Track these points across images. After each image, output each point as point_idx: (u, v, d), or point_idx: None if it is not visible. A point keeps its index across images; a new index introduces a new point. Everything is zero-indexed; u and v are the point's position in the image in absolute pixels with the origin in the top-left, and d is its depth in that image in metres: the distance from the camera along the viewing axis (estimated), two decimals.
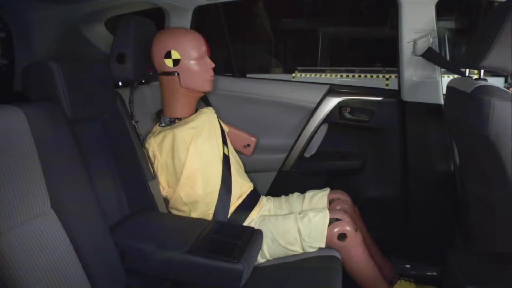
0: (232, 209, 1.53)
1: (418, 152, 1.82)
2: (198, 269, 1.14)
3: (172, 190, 1.51)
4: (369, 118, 1.89)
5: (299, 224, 1.44)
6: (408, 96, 1.80)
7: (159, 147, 1.48)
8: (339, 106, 1.92)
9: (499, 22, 1.19)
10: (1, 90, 1.81)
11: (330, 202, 1.65)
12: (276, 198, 1.73)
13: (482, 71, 1.33)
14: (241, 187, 1.60)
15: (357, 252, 1.45)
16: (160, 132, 1.50)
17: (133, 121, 1.46)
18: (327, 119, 1.93)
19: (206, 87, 1.55)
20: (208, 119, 1.59)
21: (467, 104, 1.26)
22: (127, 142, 1.40)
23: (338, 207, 1.63)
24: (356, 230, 1.45)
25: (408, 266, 1.81)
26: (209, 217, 1.50)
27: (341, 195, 1.68)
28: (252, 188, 1.66)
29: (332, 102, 1.91)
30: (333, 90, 1.94)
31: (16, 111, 0.95)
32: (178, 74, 1.50)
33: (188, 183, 1.48)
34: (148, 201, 1.42)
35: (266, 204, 1.67)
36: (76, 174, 1.08)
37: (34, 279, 0.90)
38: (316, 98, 1.93)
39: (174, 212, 1.54)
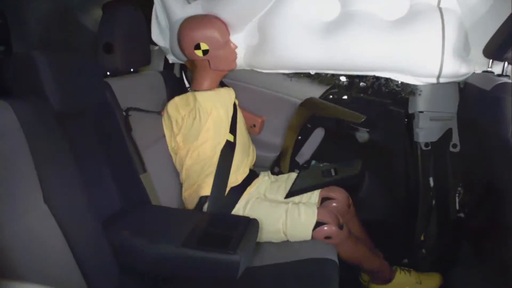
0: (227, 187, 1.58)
1: (425, 166, 1.73)
2: (194, 262, 1.13)
3: (186, 148, 1.58)
4: (371, 128, 1.80)
5: (287, 221, 1.48)
6: (415, 107, 1.69)
7: (182, 105, 1.57)
8: None
9: None
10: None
11: (326, 198, 1.64)
12: (275, 180, 1.75)
13: (506, 65, 1.27)
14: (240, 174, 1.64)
15: (343, 247, 1.49)
16: (183, 97, 1.60)
17: (123, 113, 1.42)
18: (323, 123, 1.86)
19: (233, 65, 1.69)
20: (226, 98, 1.67)
21: (485, 102, 1.19)
22: (118, 134, 1.38)
23: (329, 205, 1.63)
24: (341, 228, 1.47)
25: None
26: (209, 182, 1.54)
27: (336, 194, 1.66)
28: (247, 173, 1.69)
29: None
30: (333, 91, 1.83)
31: (4, 107, 0.93)
32: (208, 61, 1.61)
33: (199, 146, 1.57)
34: (140, 194, 1.41)
35: (262, 183, 1.71)
36: (68, 168, 1.06)
37: (27, 274, 0.89)
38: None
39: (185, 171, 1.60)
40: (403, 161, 1.82)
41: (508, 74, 1.29)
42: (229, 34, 1.63)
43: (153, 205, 1.43)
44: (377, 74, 1.60)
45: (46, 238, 0.96)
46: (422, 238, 1.78)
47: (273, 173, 1.92)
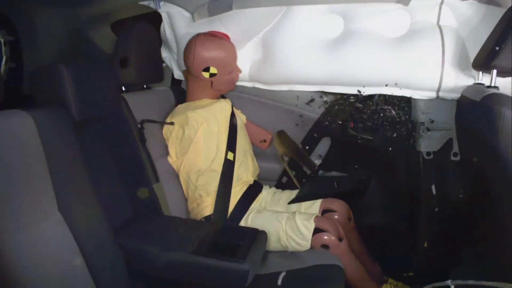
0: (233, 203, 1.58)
1: (427, 174, 1.74)
2: (204, 270, 1.15)
3: (179, 161, 1.59)
4: (374, 137, 1.79)
5: (287, 229, 1.49)
6: (416, 118, 1.70)
7: (174, 119, 1.59)
8: (342, 120, 1.82)
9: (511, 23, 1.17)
10: (10, 94, 1.83)
11: (327, 210, 1.64)
12: (277, 192, 1.76)
13: (494, 75, 1.30)
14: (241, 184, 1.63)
15: (342, 261, 1.44)
16: (176, 112, 1.62)
17: (138, 125, 1.46)
18: (329, 133, 1.86)
19: (233, 87, 1.75)
20: (219, 112, 1.65)
21: (476, 113, 1.20)
22: (132, 145, 1.41)
23: (330, 217, 1.62)
24: (341, 240, 1.46)
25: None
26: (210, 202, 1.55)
27: (336, 206, 1.66)
28: (251, 182, 1.69)
29: (335, 114, 1.82)
30: (339, 102, 1.82)
31: (24, 116, 0.97)
32: (212, 82, 1.64)
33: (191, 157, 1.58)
34: (152, 204, 1.42)
35: (264, 197, 1.72)
36: (83, 177, 1.09)
37: (40, 280, 0.91)
38: (320, 108, 1.85)
39: (184, 183, 1.61)
40: (407, 170, 1.84)
41: (496, 85, 1.32)
42: (236, 60, 1.67)
43: (164, 215, 1.45)
44: (379, 89, 1.63)
45: (59, 245, 0.98)
46: (425, 245, 1.81)
47: (281, 183, 1.94)
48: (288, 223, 1.49)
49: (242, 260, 1.12)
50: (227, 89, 1.73)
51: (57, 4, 1.81)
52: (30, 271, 0.90)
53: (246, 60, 1.74)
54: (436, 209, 1.75)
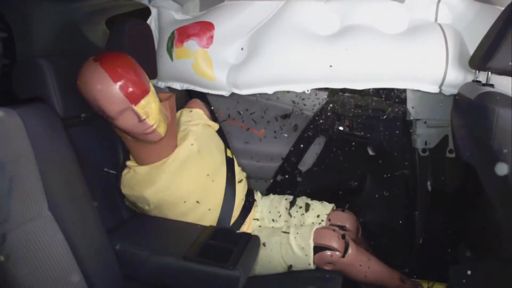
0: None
1: (423, 171, 1.73)
2: (194, 275, 1.14)
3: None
4: (371, 134, 1.78)
5: (284, 257, 1.41)
6: (412, 114, 1.69)
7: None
8: (337, 118, 1.80)
9: (507, 23, 1.15)
10: (4, 90, 1.82)
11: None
12: (274, 200, 1.68)
13: (489, 74, 1.29)
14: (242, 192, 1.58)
15: (353, 270, 1.41)
16: (129, 192, 1.33)
17: None
18: (324, 131, 1.84)
19: (151, 138, 1.21)
20: (190, 154, 1.42)
21: (471, 111, 1.20)
22: (122, 143, 1.38)
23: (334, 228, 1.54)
24: (344, 255, 1.38)
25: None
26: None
27: (344, 221, 1.59)
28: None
29: (330, 112, 1.80)
30: (333, 99, 1.79)
31: (10, 114, 0.96)
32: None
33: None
34: None
35: (262, 209, 1.64)
36: (74, 176, 1.09)
37: (31, 281, 0.92)
38: (314, 106, 1.82)
39: None
40: (402, 166, 1.83)
41: (491, 83, 1.31)
42: (137, 98, 1.15)
43: (156, 217, 1.43)
44: (378, 85, 1.59)
45: (50, 245, 0.98)
46: (420, 241, 1.81)
47: (276, 182, 1.92)
48: (283, 249, 1.40)
49: (232, 266, 1.12)
50: (145, 139, 1.23)
51: (52, 0, 1.78)
52: (21, 272, 0.90)
53: (225, 67, 1.62)
54: (432, 206, 1.75)
